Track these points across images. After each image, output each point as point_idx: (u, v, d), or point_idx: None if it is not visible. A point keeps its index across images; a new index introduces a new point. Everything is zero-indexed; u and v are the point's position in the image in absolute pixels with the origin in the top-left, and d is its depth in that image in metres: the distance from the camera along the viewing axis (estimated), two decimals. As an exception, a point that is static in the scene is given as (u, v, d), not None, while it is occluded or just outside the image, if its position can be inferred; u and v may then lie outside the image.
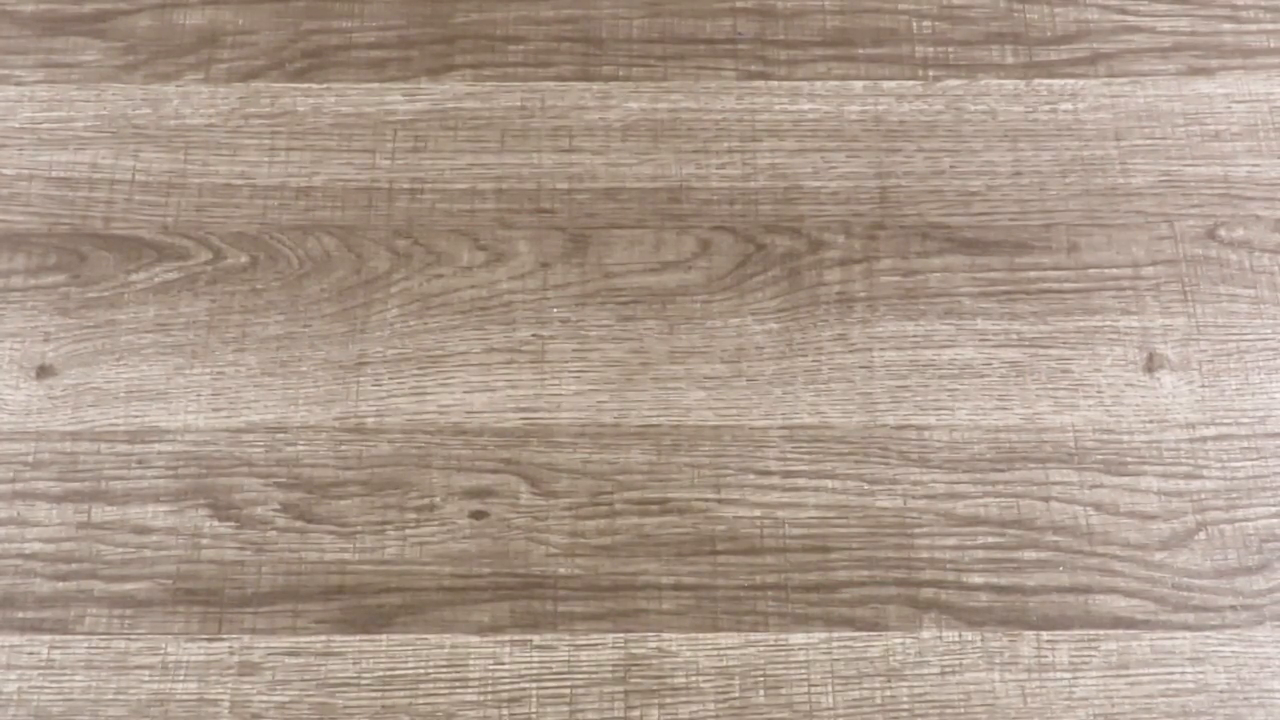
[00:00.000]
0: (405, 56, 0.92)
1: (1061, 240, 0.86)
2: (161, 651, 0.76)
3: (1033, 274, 0.85)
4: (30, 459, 0.81)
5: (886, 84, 0.90)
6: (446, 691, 0.76)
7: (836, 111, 0.90)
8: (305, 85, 0.91)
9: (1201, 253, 0.85)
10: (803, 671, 0.76)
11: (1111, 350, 0.83)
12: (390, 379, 0.83)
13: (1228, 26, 0.92)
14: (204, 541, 0.79)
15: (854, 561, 0.78)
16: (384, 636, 0.77)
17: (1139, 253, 0.85)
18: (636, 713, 0.75)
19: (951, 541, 0.79)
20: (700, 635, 0.77)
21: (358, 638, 0.77)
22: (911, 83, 0.90)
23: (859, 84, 0.90)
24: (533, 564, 0.78)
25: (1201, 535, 0.79)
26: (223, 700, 0.75)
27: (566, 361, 0.83)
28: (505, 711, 0.75)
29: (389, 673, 0.76)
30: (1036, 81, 0.90)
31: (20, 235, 0.87)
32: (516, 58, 0.92)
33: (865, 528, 0.79)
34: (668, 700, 0.75)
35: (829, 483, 0.80)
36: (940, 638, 0.77)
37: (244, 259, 0.86)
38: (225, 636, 0.77)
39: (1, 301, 0.85)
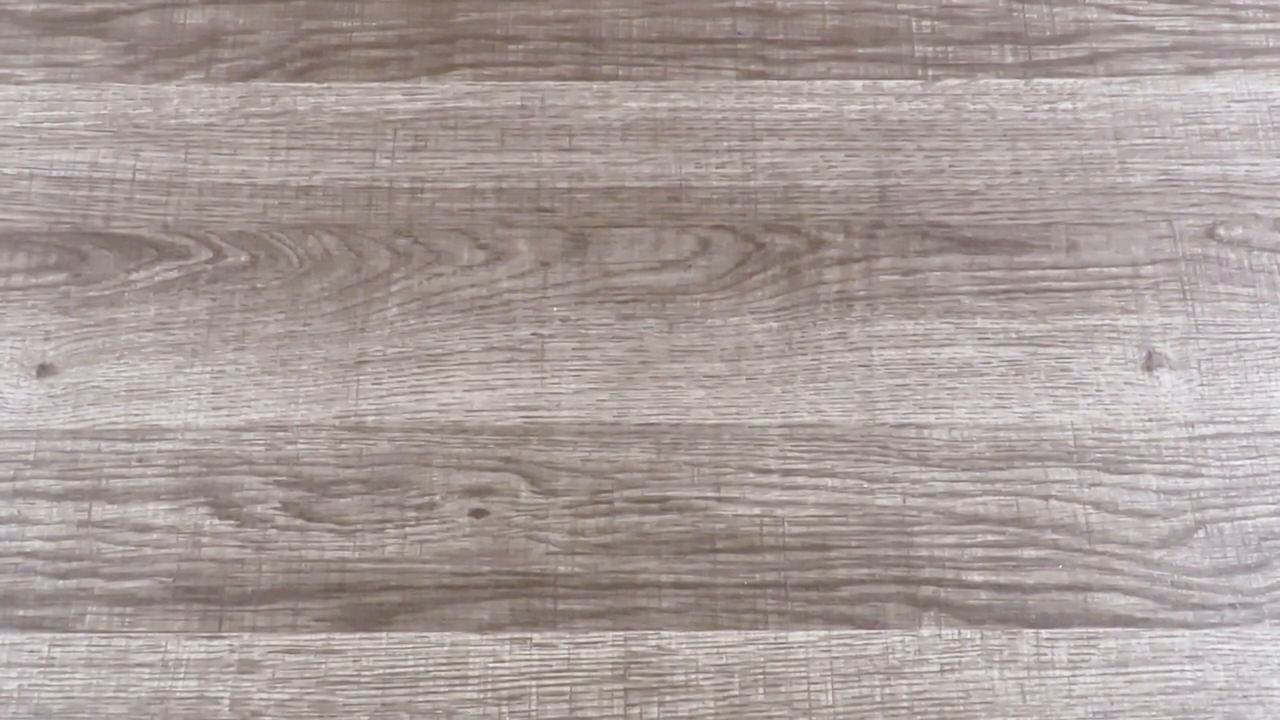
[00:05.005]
0: (405, 56, 0.92)
1: (1061, 239, 0.86)
2: (162, 649, 0.77)
3: (1032, 273, 0.85)
4: (31, 457, 0.81)
5: (886, 83, 0.91)
6: (446, 689, 0.76)
7: (836, 111, 0.90)
8: (305, 85, 0.91)
9: (1200, 252, 0.86)
10: (802, 669, 0.76)
11: (1111, 349, 0.83)
12: (390, 378, 0.83)
13: (1227, 26, 0.92)
14: (204, 540, 0.79)
15: (853, 560, 0.78)
16: (384, 634, 0.77)
17: (1138, 252, 0.86)
18: (636, 710, 0.75)
19: (951, 540, 0.79)
20: (700, 633, 0.77)
21: (358, 636, 0.77)
22: (911, 82, 0.91)
23: (858, 83, 0.91)
24: (532, 562, 0.78)
25: (1200, 533, 0.79)
26: (223, 698, 0.76)
27: (566, 360, 0.83)
28: (505, 709, 0.75)
29: (389, 670, 0.76)
30: (1036, 81, 0.90)
31: (21, 234, 0.87)
32: (516, 57, 0.92)
33: (865, 526, 0.79)
34: (667, 698, 0.75)
35: (828, 481, 0.80)
36: (939, 635, 0.77)
37: (244, 258, 0.86)
38: (225, 634, 0.77)
39: (2, 300, 0.85)
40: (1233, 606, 0.77)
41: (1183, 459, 0.80)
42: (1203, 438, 0.81)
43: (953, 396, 0.82)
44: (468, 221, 0.87)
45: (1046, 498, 0.80)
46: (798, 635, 0.77)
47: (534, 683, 0.76)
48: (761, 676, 0.76)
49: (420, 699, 0.76)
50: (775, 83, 0.91)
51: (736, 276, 0.85)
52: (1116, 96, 0.90)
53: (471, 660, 0.76)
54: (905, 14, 0.93)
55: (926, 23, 0.92)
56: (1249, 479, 0.80)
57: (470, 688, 0.76)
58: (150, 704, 0.75)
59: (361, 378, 0.83)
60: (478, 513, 0.80)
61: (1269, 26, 0.92)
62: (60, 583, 0.78)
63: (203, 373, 0.83)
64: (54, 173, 0.88)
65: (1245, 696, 0.75)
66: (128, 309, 0.84)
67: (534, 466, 0.80)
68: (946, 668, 0.76)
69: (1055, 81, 0.90)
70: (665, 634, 0.77)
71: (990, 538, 0.79)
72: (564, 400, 0.82)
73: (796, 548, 0.79)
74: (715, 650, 0.76)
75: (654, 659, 0.76)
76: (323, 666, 0.76)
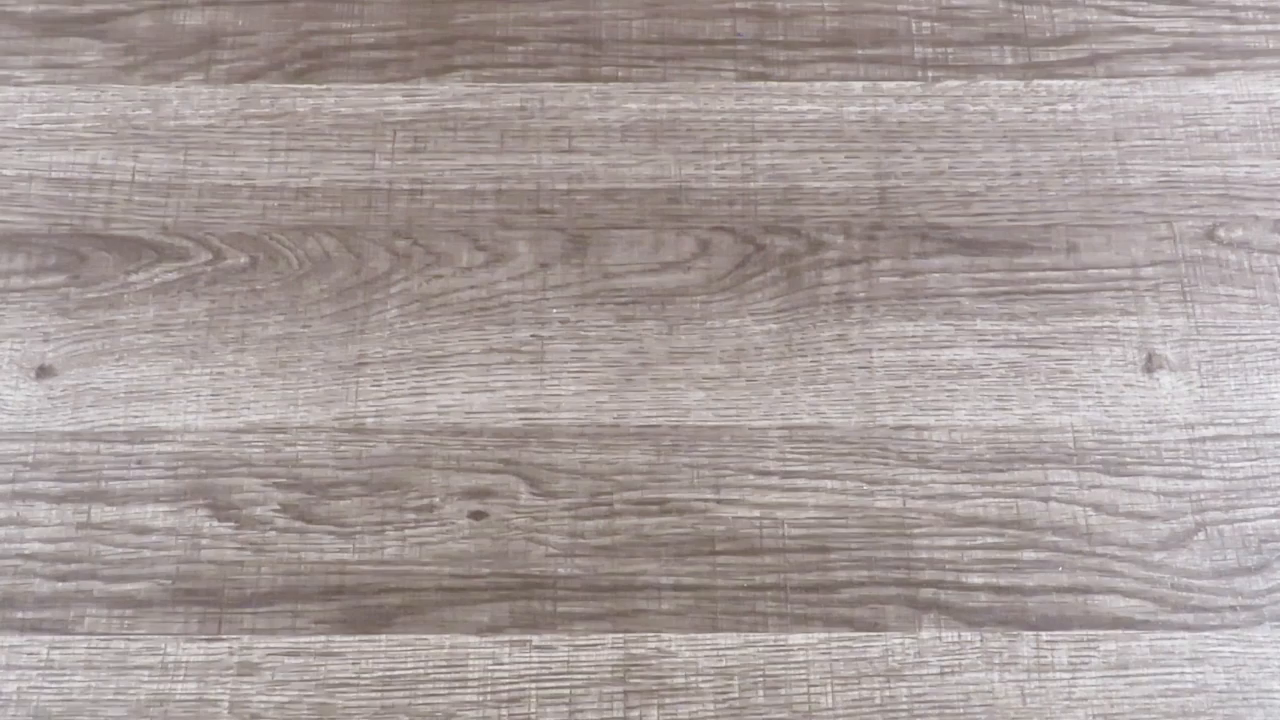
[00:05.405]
0: (405, 57, 0.92)
1: (1061, 241, 0.86)
2: (161, 652, 0.76)
3: (1032, 274, 0.85)
4: (30, 459, 0.81)
5: (886, 84, 0.91)
6: (446, 692, 0.76)
7: (836, 112, 0.90)
8: (305, 86, 0.91)
9: (1200, 253, 0.85)
10: (802, 672, 0.76)
11: (1110, 351, 0.83)
12: (390, 379, 0.83)
13: (1227, 27, 0.92)
14: (203, 542, 0.79)
15: (853, 562, 0.78)
16: (383, 637, 0.77)
17: (1138, 253, 0.86)
18: (636, 713, 0.75)
19: (951, 542, 0.79)
20: (699, 635, 0.77)
21: (357, 638, 0.77)
22: (911, 83, 0.91)
23: (858, 85, 0.91)
24: (532, 564, 0.78)
25: (1200, 535, 0.79)
26: (222, 700, 0.76)
27: (566, 362, 0.83)
28: (504, 712, 0.75)
29: (388, 673, 0.76)
30: (1036, 82, 0.90)
31: (20, 235, 0.87)
32: (516, 58, 0.92)
33: (864, 528, 0.79)
34: (667, 700, 0.75)
35: (828, 483, 0.80)
36: (939, 638, 0.77)
37: (243, 259, 0.86)
38: (225, 637, 0.77)
39: (1, 302, 0.85)
40: (1233, 609, 0.77)
41: (1183, 461, 0.80)
42: (1203, 439, 0.81)
43: (952, 398, 0.82)
44: (467, 223, 0.87)
45: (1046, 500, 0.80)
46: (797, 638, 0.77)
47: (533, 685, 0.76)
48: (761, 679, 0.76)
49: (420, 701, 0.75)
50: (775, 84, 0.91)
51: (736, 278, 0.85)
52: (1116, 98, 0.90)
53: (471, 663, 0.76)
54: (905, 15, 0.93)
55: (926, 24, 0.92)
56: (1249, 481, 0.80)
57: (469, 690, 0.76)
58: (149, 706, 0.75)
59: (361, 379, 0.83)
60: (477, 515, 0.80)
61: (1269, 28, 0.92)
62: (59, 585, 0.78)
63: (202, 374, 0.83)
64: (53, 174, 0.88)
65: (1245, 699, 0.75)
66: (127, 311, 0.84)
67: (533, 468, 0.80)
68: (946, 670, 0.76)
69: (1055, 83, 0.90)
70: (665, 636, 0.77)
71: (990, 540, 0.79)
72: (563, 402, 0.82)
73: (796, 550, 0.79)
74: (715, 653, 0.76)
75: (654, 661, 0.76)
76: (322, 669, 0.76)
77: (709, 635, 0.77)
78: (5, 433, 0.81)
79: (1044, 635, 0.77)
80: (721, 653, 0.76)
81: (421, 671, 0.76)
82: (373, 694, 0.76)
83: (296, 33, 0.93)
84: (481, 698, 0.75)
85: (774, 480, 0.80)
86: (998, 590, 0.78)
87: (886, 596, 0.77)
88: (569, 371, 0.83)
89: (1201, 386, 0.82)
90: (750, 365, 0.83)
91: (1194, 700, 0.75)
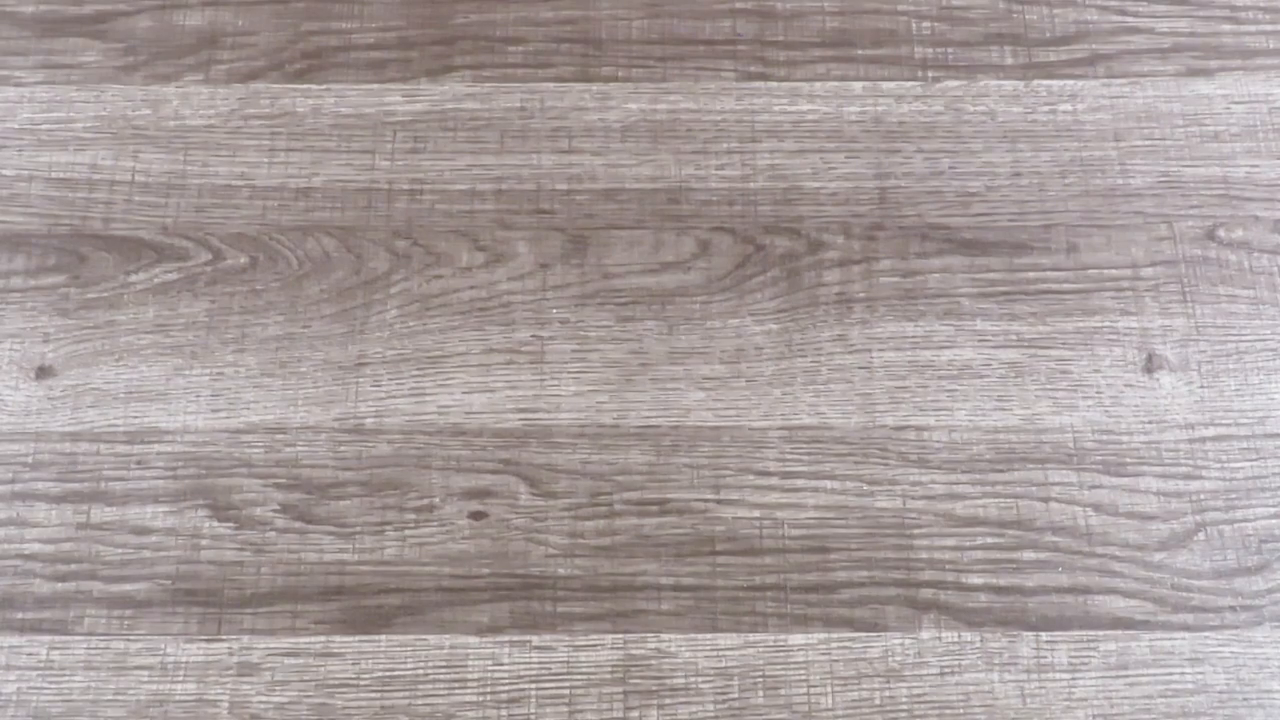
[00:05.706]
0: (405, 57, 0.92)
1: (1061, 241, 0.86)
2: (160, 652, 0.76)
3: (1032, 275, 0.85)
4: (30, 460, 0.81)
5: (886, 85, 0.90)
6: (445, 692, 0.76)
7: (836, 112, 0.90)
8: (305, 86, 0.91)
9: (1201, 253, 0.85)
10: (802, 672, 0.76)
11: (1111, 351, 0.83)
12: (389, 380, 0.83)
13: (1227, 27, 0.92)
14: (203, 542, 0.79)
15: (853, 562, 0.78)
16: (383, 637, 0.77)
17: (1138, 253, 0.86)
18: (635, 713, 0.75)
19: (950, 542, 0.79)
20: (699, 636, 0.77)
21: (357, 638, 0.77)
22: (911, 83, 0.91)
23: (858, 85, 0.91)
24: (532, 565, 0.78)
25: (1200, 536, 0.79)
26: (222, 701, 0.76)
27: (566, 362, 0.83)
28: (504, 712, 0.75)
29: (388, 673, 0.76)
30: (1036, 82, 0.90)
31: (20, 236, 0.87)
32: (516, 59, 0.92)
33: (864, 528, 0.79)
34: (667, 701, 0.75)
35: (828, 483, 0.80)
36: (939, 638, 0.77)
37: (243, 260, 0.86)
38: (224, 637, 0.77)
39: (1, 302, 0.85)
40: (1233, 609, 0.77)
41: (1183, 461, 0.80)
42: (1203, 440, 0.81)
43: (952, 399, 0.82)
44: (467, 223, 0.87)
45: (1046, 500, 0.80)
46: (797, 638, 0.77)
47: (533, 686, 0.76)
48: (761, 679, 0.76)
49: (419, 702, 0.75)
50: (775, 84, 0.91)
51: (736, 278, 0.85)
52: (1116, 98, 0.90)
53: (470, 663, 0.76)
54: (905, 15, 0.93)
55: (926, 24, 0.92)
56: (1249, 481, 0.80)
57: (469, 691, 0.76)
58: (149, 707, 0.75)
59: (361, 380, 0.83)
60: (477, 515, 0.79)
61: (1269, 28, 0.92)
62: (59, 585, 0.78)
63: (202, 375, 0.83)
64: (53, 174, 0.88)
65: (1245, 699, 0.75)
66: (127, 311, 0.84)
67: (533, 469, 0.80)
68: (946, 670, 0.76)
69: (1055, 83, 0.90)
70: (665, 637, 0.77)
71: (990, 540, 0.79)
72: (563, 402, 0.82)
73: (796, 550, 0.79)
74: (715, 653, 0.76)
75: (653, 662, 0.76)
76: (322, 669, 0.76)
77: (709, 635, 0.77)
78: (5, 433, 0.81)
79: (1044, 635, 0.77)
80: (721, 653, 0.76)
81: (421, 672, 0.76)
82: (372, 694, 0.76)
83: (296, 33, 0.92)
84: (481, 698, 0.75)
85: (774, 480, 0.80)
86: (998, 590, 0.78)
87: (886, 597, 0.77)
88: (569, 372, 0.83)
89: (1201, 387, 0.82)
90: (750, 365, 0.83)
91: (1194, 700, 0.75)
